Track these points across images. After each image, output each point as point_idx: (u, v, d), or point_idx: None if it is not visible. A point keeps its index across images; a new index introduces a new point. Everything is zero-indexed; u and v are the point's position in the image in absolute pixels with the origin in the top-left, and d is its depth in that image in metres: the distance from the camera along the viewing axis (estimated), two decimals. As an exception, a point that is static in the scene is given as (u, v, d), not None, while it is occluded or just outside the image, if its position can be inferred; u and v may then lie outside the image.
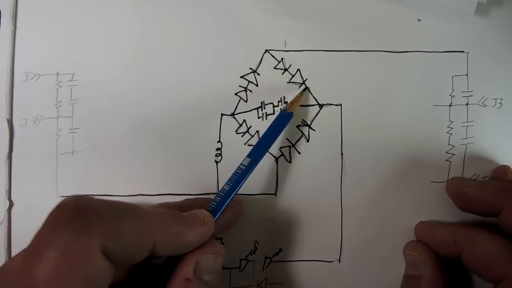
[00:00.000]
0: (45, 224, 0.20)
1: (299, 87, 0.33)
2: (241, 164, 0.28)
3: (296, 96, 0.32)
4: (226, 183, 0.28)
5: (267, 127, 0.31)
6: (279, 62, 0.33)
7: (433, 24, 0.33)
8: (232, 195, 0.27)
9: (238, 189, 0.27)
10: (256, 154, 0.29)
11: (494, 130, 0.34)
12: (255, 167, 0.28)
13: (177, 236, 0.22)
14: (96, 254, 0.19)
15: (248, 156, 0.29)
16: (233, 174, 0.28)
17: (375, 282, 0.34)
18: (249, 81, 0.33)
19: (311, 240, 0.33)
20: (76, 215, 0.19)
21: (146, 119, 0.32)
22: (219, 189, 0.29)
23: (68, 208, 0.20)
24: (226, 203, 0.27)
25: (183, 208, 0.25)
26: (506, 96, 0.34)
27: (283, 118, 0.31)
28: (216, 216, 0.26)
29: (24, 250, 0.21)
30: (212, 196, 0.32)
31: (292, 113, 0.31)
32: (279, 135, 0.30)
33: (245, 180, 0.28)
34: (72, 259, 0.19)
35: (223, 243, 0.33)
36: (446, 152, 0.34)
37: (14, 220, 0.31)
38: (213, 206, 0.26)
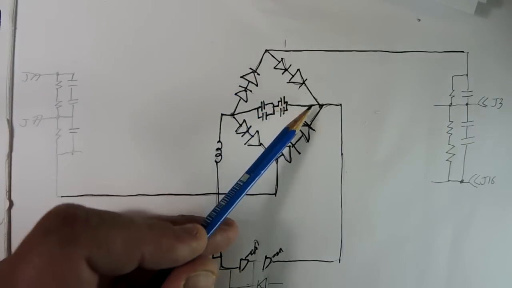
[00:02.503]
0: (33, 230, 0.20)
1: (299, 87, 0.33)
2: (239, 180, 0.27)
3: (300, 114, 0.32)
4: (223, 199, 0.27)
5: (270, 142, 0.30)
6: (279, 62, 0.33)
7: (433, 24, 0.33)
8: (229, 211, 0.26)
9: (235, 206, 0.26)
10: (255, 170, 0.28)
11: (494, 130, 0.34)
12: (254, 183, 0.27)
13: (166, 249, 0.22)
14: (80, 264, 0.19)
15: (247, 172, 0.28)
16: (231, 189, 0.27)
17: (375, 282, 0.34)
18: (249, 81, 0.33)
19: (311, 240, 0.33)
20: (64, 224, 0.20)
21: (146, 119, 0.32)
22: (218, 201, 0.27)
23: (57, 216, 0.20)
24: (222, 219, 0.26)
25: (176, 223, 0.24)
26: (506, 96, 0.34)
27: (286, 136, 0.30)
28: (211, 232, 0.25)
29: (12, 254, 0.21)
30: (212, 196, 0.32)
31: (294, 131, 0.30)
32: (280, 152, 0.30)
33: (242, 197, 0.27)
34: (55, 267, 0.19)
35: (223, 243, 0.33)
36: (446, 152, 0.34)
37: (14, 220, 0.31)
38: (208, 221, 0.25)
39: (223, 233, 0.26)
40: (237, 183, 0.27)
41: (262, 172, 0.28)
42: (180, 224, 0.24)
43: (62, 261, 0.19)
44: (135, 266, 0.21)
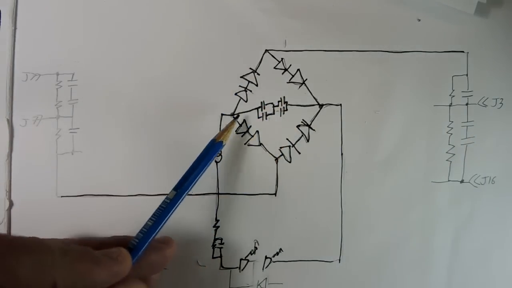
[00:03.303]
0: None
1: (299, 87, 0.33)
2: (166, 197, 0.26)
3: (227, 125, 0.31)
4: (150, 219, 0.25)
5: (197, 157, 0.29)
6: (279, 62, 0.33)
7: (433, 24, 0.33)
8: (156, 231, 0.25)
9: (163, 225, 0.25)
10: (182, 186, 0.27)
11: (494, 130, 0.34)
12: (182, 199, 0.26)
13: (82, 275, 0.21)
14: None
15: (174, 188, 0.27)
16: (158, 208, 0.26)
17: (375, 282, 0.34)
18: (249, 81, 0.33)
19: (311, 240, 0.33)
20: None
21: (146, 119, 0.32)
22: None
23: None
24: (149, 240, 0.24)
25: (104, 245, 0.23)
26: (506, 96, 0.34)
27: (213, 148, 0.29)
28: (138, 255, 0.24)
29: None
30: (212, 196, 0.32)
31: (222, 142, 0.29)
32: (208, 165, 0.28)
33: (170, 215, 0.25)
34: None
35: (223, 243, 0.33)
36: (446, 152, 0.34)
37: (14, 220, 0.31)
38: (134, 243, 0.24)
39: (159, 251, 0.25)
40: (163, 201, 0.26)
41: (190, 187, 0.27)
42: (108, 246, 0.23)
43: None
44: None
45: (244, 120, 0.33)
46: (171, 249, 0.26)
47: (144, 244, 0.24)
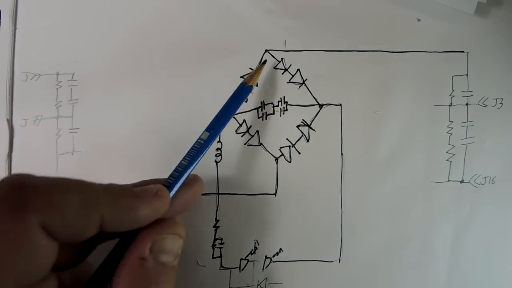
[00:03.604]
0: None
1: (299, 87, 0.33)
2: (199, 138, 0.27)
3: (256, 68, 0.31)
4: (184, 158, 0.26)
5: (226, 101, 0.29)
6: (279, 62, 0.33)
7: (433, 24, 0.33)
8: (191, 169, 0.25)
9: (197, 163, 0.26)
10: (214, 128, 0.27)
11: (494, 130, 0.34)
12: (214, 141, 0.27)
13: (126, 210, 0.21)
14: (34, 230, 0.18)
15: (207, 130, 0.27)
16: (191, 148, 0.26)
17: (375, 282, 0.34)
18: (249, 81, 0.33)
19: (311, 240, 0.33)
20: (12, 192, 0.19)
21: (146, 119, 0.32)
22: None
23: (3, 186, 0.19)
24: (183, 178, 0.25)
25: (138, 186, 0.24)
26: (506, 96, 0.34)
27: (243, 91, 0.29)
28: (173, 191, 0.24)
29: None
30: (213, 196, 0.32)
31: (251, 86, 0.30)
32: (238, 108, 0.29)
33: (203, 155, 0.26)
34: (7, 236, 0.18)
35: (223, 243, 0.33)
36: (446, 152, 0.34)
37: (14, 220, 0.31)
38: (170, 182, 0.25)
39: (188, 189, 0.25)
40: (197, 141, 0.27)
41: (221, 129, 0.28)
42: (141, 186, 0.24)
43: (14, 229, 0.18)
44: (96, 231, 0.20)
45: (244, 120, 0.33)
46: (200, 184, 0.26)
47: (179, 181, 0.25)
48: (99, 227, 0.20)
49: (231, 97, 0.29)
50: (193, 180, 0.26)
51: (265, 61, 0.32)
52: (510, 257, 0.35)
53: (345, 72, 0.33)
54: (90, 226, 0.20)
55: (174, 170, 0.25)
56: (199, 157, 0.26)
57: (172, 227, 0.23)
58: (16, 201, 0.18)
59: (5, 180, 0.19)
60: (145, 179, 0.32)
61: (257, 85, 0.32)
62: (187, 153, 0.26)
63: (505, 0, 0.34)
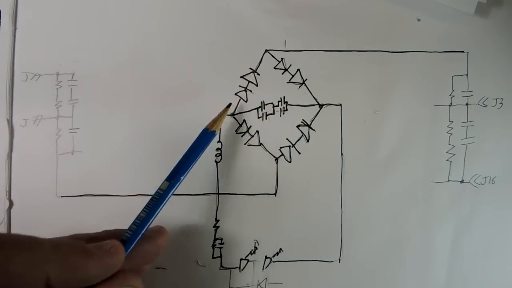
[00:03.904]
0: None
1: (299, 87, 0.33)
2: (159, 188, 0.26)
3: (219, 113, 0.30)
4: (143, 210, 0.25)
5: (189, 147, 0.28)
6: (279, 62, 0.33)
7: (433, 24, 0.33)
8: (149, 223, 0.25)
9: (156, 216, 0.25)
10: (175, 176, 0.26)
11: (494, 130, 0.34)
12: (174, 190, 0.26)
13: (74, 269, 0.20)
14: None
15: (167, 179, 0.26)
16: (150, 200, 0.25)
17: (375, 282, 0.34)
18: (249, 81, 0.33)
19: (311, 240, 0.33)
20: None
21: (146, 119, 0.32)
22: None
23: None
24: (142, 232, 0.24)
25: (96, 239, 0.23)
26: (506, 96, 0.34)
27: (206, 137, 0.29)
28: (131, 247, 0.24)
29: None
30: (213, 196, 0.32)
31: (214, 131, 0.29)
32: (200, 155, 0.28)
33: (163, 206, 0.25)
34: None
35: (223, 243, 0.33)
36: (446, 152, 0.34)
37: (14, 220, 0.31)
38: (128, 235, 0.24)
39: (151, 241, 0.25)
40: (156, 192, 0.26)
41: (182, 178, 0.26)
42: (100, 240, 0.23)
43: None
44: None
45: (244, 120, 0.33)
46: (164, 238, 0.25)
47: (137, 235, 0.24)
48: (46, 285, 0.20)
49: (193, 143, 0.28)
50: (158, 232, 0.25)
51: (230, 104, 0.31)
52: (510, 257, 0.35)
53: (345, 72, 0.33)
54: (36, 284, 0.20)
55: (133, 223, 0.24)
56: (158, 208, 0.25)
57: (126, 279, 0.23)
58: None
59: None
60: (145, 179, 0.32)
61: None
62: (146, 205, 0.25)
63: (505, 0, 0.34)
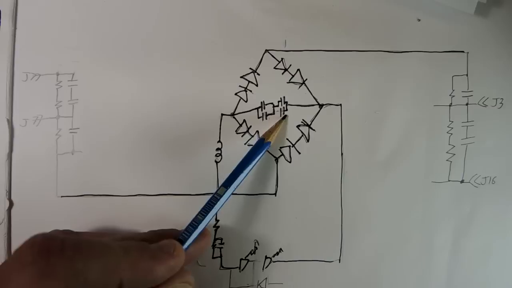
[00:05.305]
0: (9, 261, 0.21)
1: (299, 87, 0.33)
2: (215, 193, 0.28)
3: (276, 123, 0.32)
4: (200, 213, 0.27)
5: (245, 154, 0.30)
6: (279, 62, 0.33)
7: (433, 24, 0.33)
8: (205, 225, 0.26)
9: (211, 220, 0.27)
10: (231, 183, 0.28)
11: (494, 130, 0.34)
12: (230, 196, 0.28)
13: (144, 272, 0.22)
14: None
15: (223, 185, 0.28)
16: (207, 203, 0.27)
17: (375, 282, 0.34)
18: (249, 81, 0.33)
19: (311, 240, 0.33)
20: (39, 257, 0.20)
21: (146, 119, 0.32)
22: (198, 213, 0.27)
23: (32, 249, 0.20)
24: (198, 233, 0.26)
25: (148, 241, 0.24)
26: (506, 96, 0.34)
27: (261, 147, 0.30)
28: (186, 246, 0.25)
29: None
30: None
31: (270, 142, 0.30)
32: (255, 163, 0.30)
33: (218, 210, 0.27)
34: None
35: (223, 243, 0.33)
36: (446, 152, 0.34)
37: (14, 220, 0.31)
38: (186, 236, 0.26)
39: (195, 244, 0.26)
40: (213, 196, 0.27)
41: (238, 184, 0.28)
42: (152, 242, 0.24)
43: None
44: None
45: (244, 120, 0.33)
46: (207, 241, 0.28)
47: (193, 237, 0.25)
48: None
49: (249, 152, 0.30)
50: (202, 234, 0.27)
51: (285, 116, 0.32)
52: (510, 257, 0.35)
53: (345, 72, 0.33)
54: None
55: (189, 225, 0.26)
56: (214, 212, 0.27)
57: (182, 276, 0.24)
58: (42, 267, 0.19)
59: (33, 242, 0.20)
60: (145, 179, 0.32)
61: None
62: (203, 208, 0.27)
63: (505, 0, 0.34)
